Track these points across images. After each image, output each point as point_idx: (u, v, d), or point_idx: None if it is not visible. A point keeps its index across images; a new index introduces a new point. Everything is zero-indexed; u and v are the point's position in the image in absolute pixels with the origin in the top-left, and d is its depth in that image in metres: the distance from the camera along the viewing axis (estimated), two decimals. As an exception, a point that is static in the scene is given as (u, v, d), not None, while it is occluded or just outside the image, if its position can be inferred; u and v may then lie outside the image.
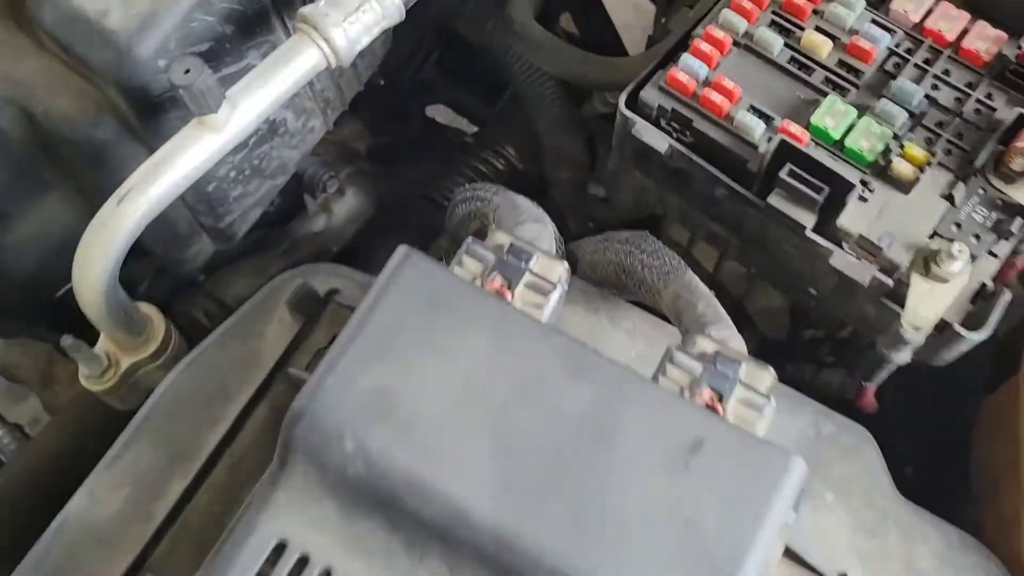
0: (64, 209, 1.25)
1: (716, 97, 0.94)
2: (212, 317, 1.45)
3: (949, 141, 0.95)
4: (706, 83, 0.97)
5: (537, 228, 0.88)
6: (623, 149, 0.99)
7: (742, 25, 1.02)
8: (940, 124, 0.97)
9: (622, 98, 0.95)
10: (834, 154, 0.94)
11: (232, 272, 1.52)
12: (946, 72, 1.00)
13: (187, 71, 0.93)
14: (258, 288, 1.56)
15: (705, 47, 0.98)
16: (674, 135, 0.96)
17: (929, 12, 1.04)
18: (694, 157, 0.94)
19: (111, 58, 1.06)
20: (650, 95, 0.96)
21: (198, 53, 1.11)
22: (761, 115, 0.95)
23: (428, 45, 1.82)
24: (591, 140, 1.43)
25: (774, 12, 1.04)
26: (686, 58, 0.97)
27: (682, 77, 0.95)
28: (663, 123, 0.96)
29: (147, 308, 1.14)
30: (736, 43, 1.01)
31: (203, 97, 0.95)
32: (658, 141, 0.95)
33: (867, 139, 0.93)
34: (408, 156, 1.85)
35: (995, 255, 0.91)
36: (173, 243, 1.34)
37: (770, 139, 0.92)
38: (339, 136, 1.67)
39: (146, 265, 1.45)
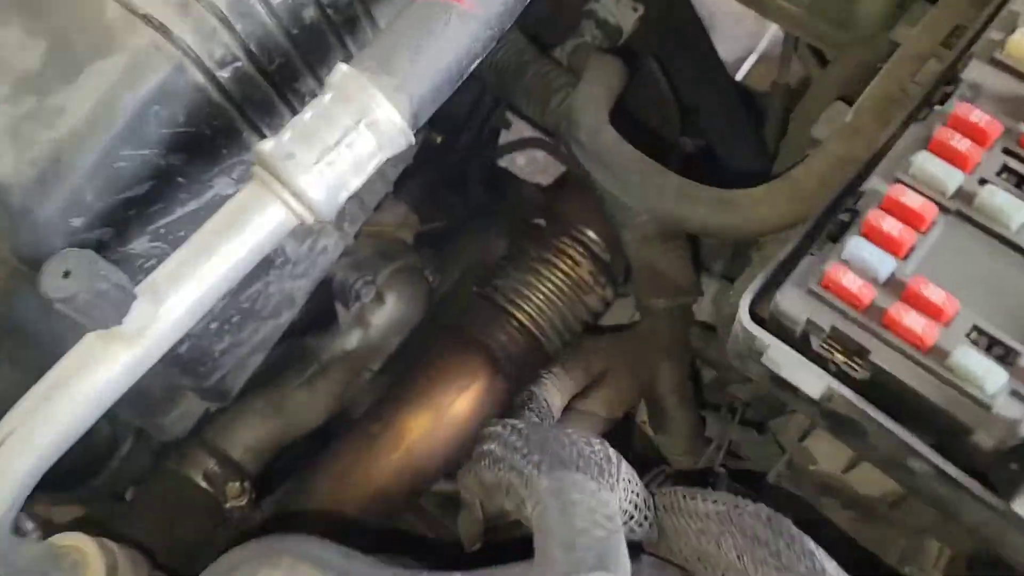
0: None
1: (913, 319, 0.55)
2: (213, 480, 1.15)
3: None
4: (892, 286, 0.58)
5: (603, 530, 0.52)
6: (743, 364, 0.61)
7: (953, 179, 0.62)
8: None
9: (743, 303, 0.58)
10: None
11: (239, 416, 1.21)
12: None
13: (66, 274, 0.61)
14: (275, 436, 1.27)
15: (889, 225, 0.58)
16: (834, 365, 0.58)
17: None
18: (872, 413, 0.56)
19: (3, 221, 0.75)
20: (793, 301, 0.58)
21: (135, 198, 0.79)
22: (995, 346, 0.56)
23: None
24: (696, 252, 1.06)
25: (1007, 151, 0.63)
26: (856, 244, 0.58)
27: (849, 280, 0.57)
28: (815, 345, 0.58)
29: (77, 544, 0.83)
30: (943, 209, 0.62)
31: (97, 308, 0.63)
32: (808, 380, 0.57)
33: None
34: (464, 230, 1.50)
35: None
36: (146, 409, 1.04)
37: (1016, 394, 0.53)
38: (377, 225, 1.33)
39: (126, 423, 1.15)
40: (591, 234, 1.28)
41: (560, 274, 1.27)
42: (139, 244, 0.82)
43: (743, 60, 1.80)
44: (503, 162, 1.73)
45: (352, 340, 1.30)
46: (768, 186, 0.74)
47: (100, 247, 0.79)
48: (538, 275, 1.28)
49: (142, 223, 0.82)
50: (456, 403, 1.27)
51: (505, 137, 1.65)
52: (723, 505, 0.63)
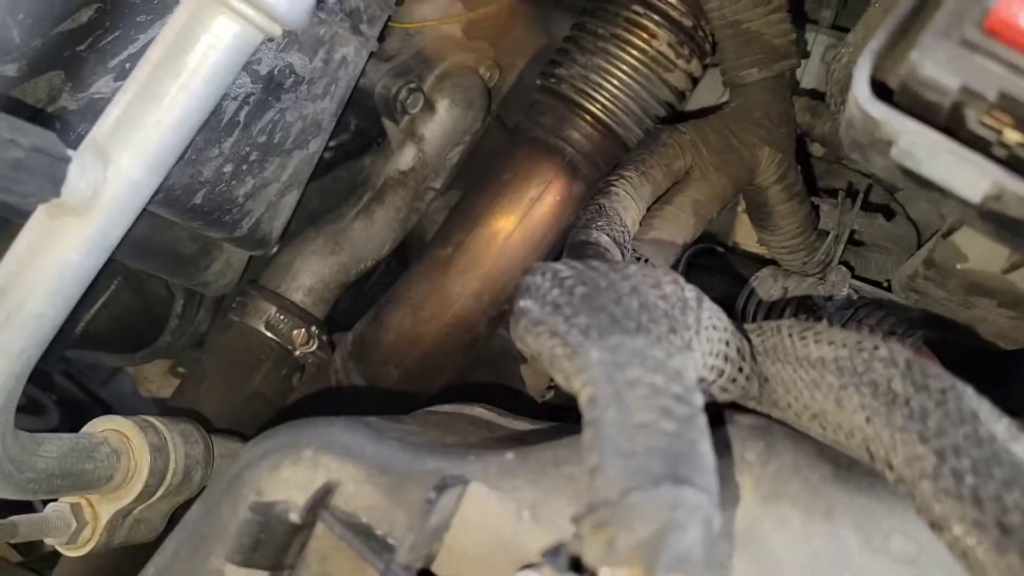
0: None
1: None
2: (276, 328, 1.07)
3: None
4: None
5: (673, 420, 0.38)
6: (864, 156, 0.43)
7: None
8: None
9: (859, 72, 0.38)
10: None
11: (295, 256, 1.11)
12: None
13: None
14: (336, 273, 1.15)
15: None
16: (1003, 148, 0.39)
17: None
18: None
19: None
20: (938, 60, 0.37)
21: (78, 30, 0.65)
22: None
23: None
24: None
25: None
26: None
27: None
28: (973, 122, 0.39)
29: (115, 427, 0.76)
30: None
31: (18, 182, 0.50)
32: (965, 176, 0.38)
33: None
34: (521, 12, 1.28)
35: None
36: (181, 267, 0.94)
37: None
38: (415, 21, 1.14)
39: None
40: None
41: (634, 51, 1.06)
42: (102, 85, 0.68)
43: None
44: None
45: (406, 158, 1.16)
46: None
47: (52, 98, 0.65)
48: (608, 56, 1.08)
49: (98, 59, 0.67)
50: (531, 214, 1.12)
51: None
52: (843, 347, 0.47)
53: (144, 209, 0.61)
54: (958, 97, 0.38)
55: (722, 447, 0.49)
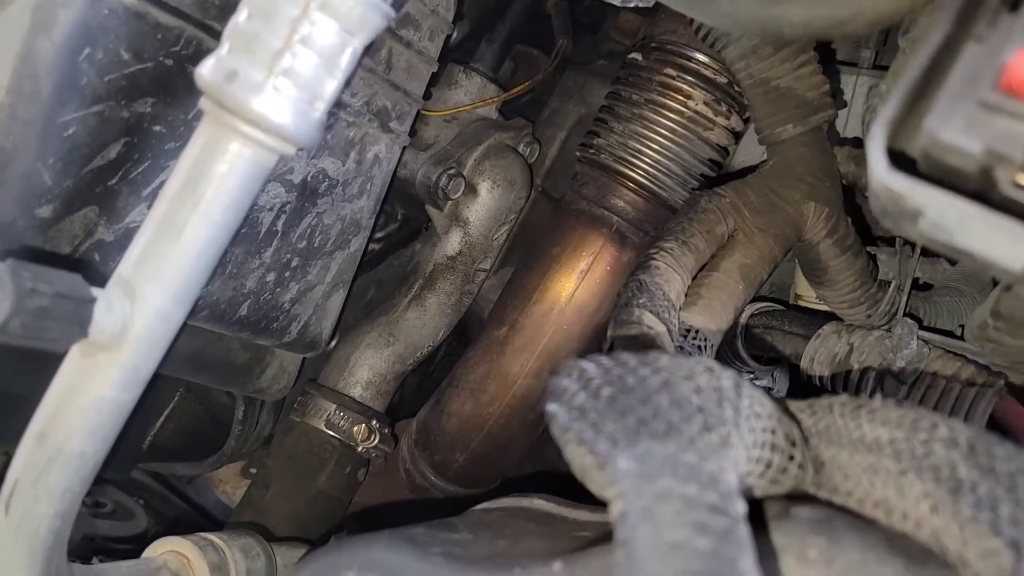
0: None
1: None
2: (337, 426, 1.06)
3: None
4: None
5: (709, 535, 0.35)
6: (896, 225, 0.40)
7: None
8: None
9: (874, 143, 0.35)
10: None
11: (351, 351, 1.11)
12: None
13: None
14: (393, 364, 1.14)
15: None
16: None
17: None
18: None
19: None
20: (956, 125, 0.35)
21: (108, 165, 0.66)
22: None
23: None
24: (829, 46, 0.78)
25: None
26: None
27: None
28: (1005, 184, 0.36)
29: (175, 548, 0.75)
30: None
31: (45, 329, 0.51)
32: (1002, 245, 0.35)
33: None
34: (558, 86, 1.28)
35: None
36: (235, 377, 0.95)
37: None
38: (450, 106, 1.15)
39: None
40: (700, 57, 1.03)
41: (671, 114, 1.04)
42: (137, 215, 0.70)
43: None
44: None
45: (453, 243, 1.16)
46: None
47: (89, 232, 0.67)
48: (645, 122, 1.06)
49: (131, 190, 0.69)
50: (582, 287, 1.11)
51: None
52: (899, 428, 0.43)
53: (192, 325, 0.62)
54: (984, 161, 0.35)
55: (782, 544, 0.45)
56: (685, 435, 0.41)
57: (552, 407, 0.45)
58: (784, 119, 0.82)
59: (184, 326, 0.60)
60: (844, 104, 0.92)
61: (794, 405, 0.50)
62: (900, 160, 0.38)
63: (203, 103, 0.54)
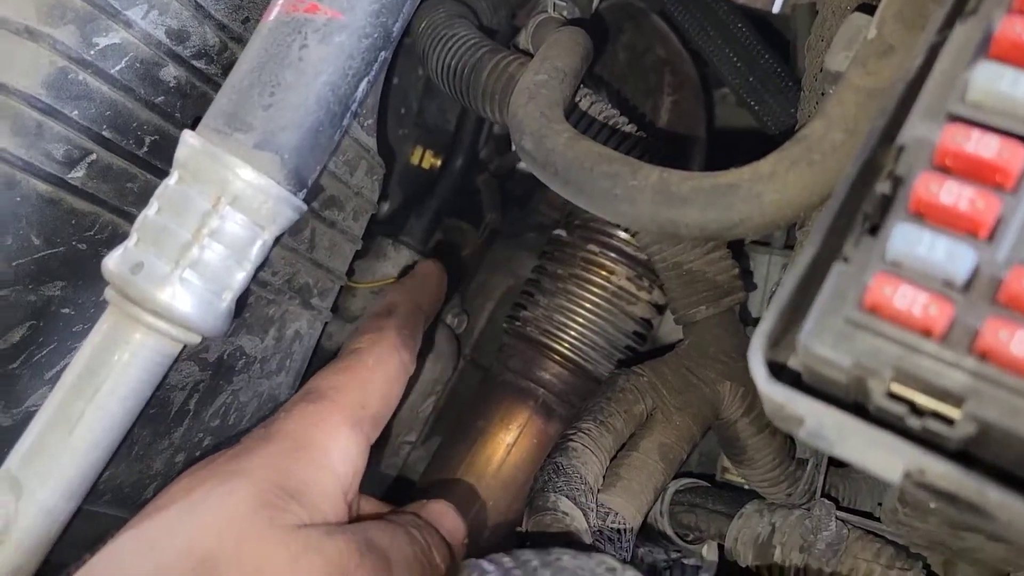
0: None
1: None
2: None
3: None
4: (980, 287, 0.36)
5: None
6: (788, 427, 0.41)
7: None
8: None
9: (754, 356, 0.37)
10: None
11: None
12: None
13: None
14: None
15: (951, 192, 0.36)
16: (915, 416, 0.36)
17: None
18: (993, 491, 0.34)
19: None
20: (826, 341, 0.36)
21: (9, 350, 0.65)
22: None
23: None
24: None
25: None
26: (904, 233, 0.36)
27: (905, 295, 0.34)
28: (878, 398, 0.37)
29: None
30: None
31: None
32: (878, 457, 0.35)
33: None
34: (485, 260, 1.31)
35: None
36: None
37: None
38: (377, 279, 1.16)
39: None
40: (621, 234, 1.07)
41: (595, 288, 1.07)
42: (38, 398, 0.67)
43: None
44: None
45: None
46: (776, 154, 0.52)
47: (-16, 417, 0.64)
48: (570, 296, 1.09)
49: (33, 373, 0.67)
50: (507, 461, 1.09)
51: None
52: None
53: (92, 511, 0.58)
54: (856, 373, 0.36)
55: None
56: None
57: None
58: (697, 301, 0.85)
59: (81, 512, 0.57)
60: (755, 286, 0.95)
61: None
62: (785, 369, 0.39)
63: (108, 293, 0.54)
